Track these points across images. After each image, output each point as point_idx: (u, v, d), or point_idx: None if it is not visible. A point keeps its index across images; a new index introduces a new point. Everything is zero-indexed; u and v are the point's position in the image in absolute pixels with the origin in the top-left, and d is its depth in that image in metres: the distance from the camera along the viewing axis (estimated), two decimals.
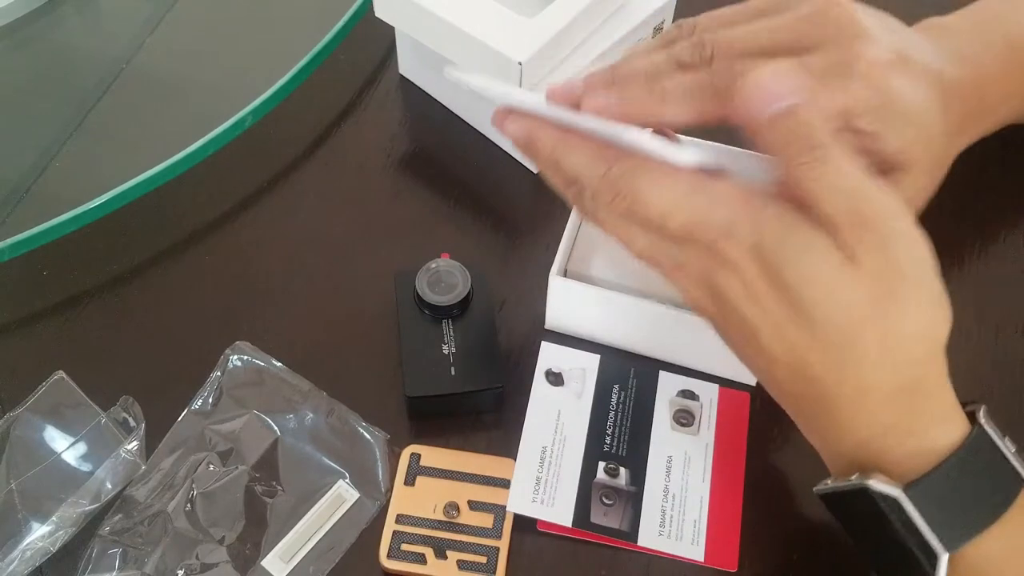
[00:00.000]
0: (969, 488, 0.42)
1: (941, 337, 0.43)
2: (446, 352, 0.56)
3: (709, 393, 0.56)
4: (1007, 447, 0.43)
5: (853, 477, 0.44)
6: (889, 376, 0.42)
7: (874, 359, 0.41)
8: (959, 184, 0.66)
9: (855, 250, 0.40)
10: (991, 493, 0.42)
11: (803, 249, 0.41)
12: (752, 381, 0.57)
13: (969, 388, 0.57)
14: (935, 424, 0.43)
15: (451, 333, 0.56)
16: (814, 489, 0.46)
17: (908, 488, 0.42)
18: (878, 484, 0.42)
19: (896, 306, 0.41)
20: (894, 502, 0.42)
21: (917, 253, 0.42)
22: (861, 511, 0.44)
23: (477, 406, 0.56)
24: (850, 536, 0.47)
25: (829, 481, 0.45)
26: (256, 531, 0.52)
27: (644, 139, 0.42)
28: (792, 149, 0.41)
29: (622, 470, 0.54)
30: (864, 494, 0.43)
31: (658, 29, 0.67)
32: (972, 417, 0.44)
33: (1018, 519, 0.42)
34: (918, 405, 0.43)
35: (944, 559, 0.41)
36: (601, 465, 0.54)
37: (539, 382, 0.56)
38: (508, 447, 0.54)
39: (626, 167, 0.43)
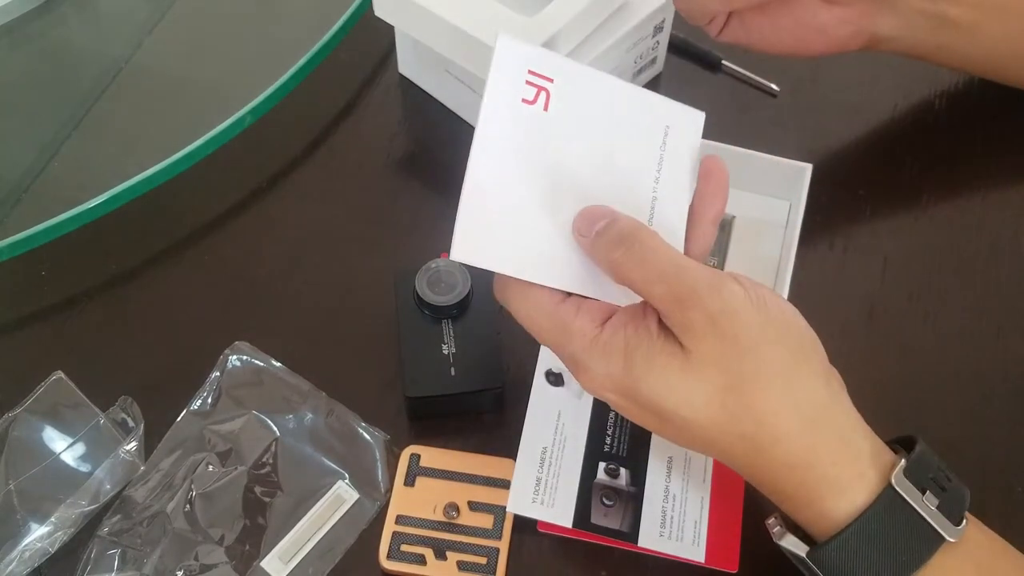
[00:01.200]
0: (877, 549, 0.42)
1: (808, 404, 0.43)
2: (446, 352, 0.56)
3: None
4: (926, 504, 0.43)
5: (775, 530, 0.46)
6: (767, 458, 0.43)
7: (746, 447, 0.43)
8: (959, 184, 0.66)
9: (689, 340, 0.42)
10: (902, 554, 0.42)
11: (646, 367, 0.43)
12: None
13: (969, 388, 0.57)
14: (831, 494, 0.43)
15: (451, 333, 0.56)
16: (765, 521, 0.48)
17: (811, 553, 0.43)
18: (787, 544, 0.45)
19: (747, 391, 0.42)
20: (803, 560, 0.44)
21: (748, 319, 0.42)
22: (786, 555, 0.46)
23: (477, 406, 0.56)
24: None
25: (771, 519, 0.47)
26: (255, 531, 0.52)
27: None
28: (608, 252, 0.44)
29: (622, 470, 0.53)
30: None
31: (658, 28, 0.67)
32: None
33: None
34: (807, 478, 0.43)
35: None
36: (601, 465, 0.54)
37: (539, 382, 0.56)
38: (508, 447, 0.54)
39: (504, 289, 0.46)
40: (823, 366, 0.44)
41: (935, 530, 0.42)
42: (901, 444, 0.46)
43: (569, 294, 0.45)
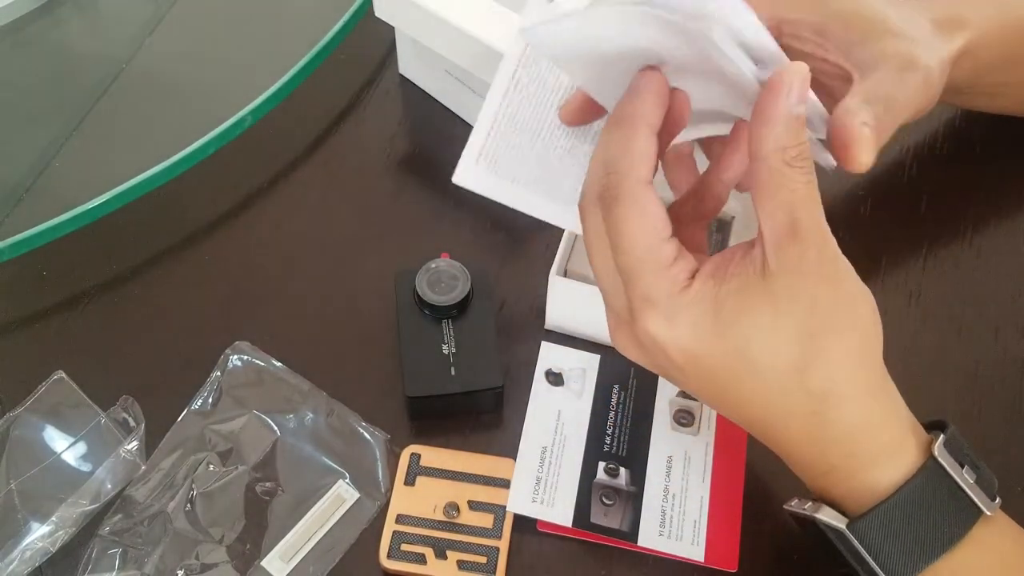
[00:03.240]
0: (919, 521, 0.42)
1: (873, 368, 0.43)
2: (446, 352, 0.56)
3: None
4: (966, 477, 0.43)
5: (807, 506, 0.45)
6: (827, 420, 0.43)
7: (811, 406, 0.42)
8: (958, 185, 0.66)
9: (789, 278, 0.40)
10: (943, 525, 0.42)
11: (737, 310, 0.41)
12: None
13: (968, 388, 0.57)
14: (877, 464, 0.43)
15: (451, 333, 0.56)
16: (784, 506, 0.48)
17: (852, 524, 0.43)
18: (824, 517, 0.44)
19: (829, 342, 0.41)
20: (841, 534, 0.44)
21: (846, 271, 0.42)
22: (819, 534, 0.45)
23: (477, 406, 0.56)
24: (821, 549, 0.47)
25: (795, 502, 0.47)
26: (256, 531, 0.52)
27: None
28: (790, 144, 0.40)
29: (622, 470, 0.54)
30: (813, 523, 0.45)
31: None
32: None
33: (972, 549, 0.43)
34: (860, 446, 0.43)
35: None
36: (601, 465, 0.54)
37: (539, 382, 0.56)
38: (508, 447, 0.54)
39: (610, 203, 0.42)
40: (881, 339, 0.44)
41: (974, 502, 0.43)
42: (927, 428, 0.46)
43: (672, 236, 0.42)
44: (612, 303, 0.44)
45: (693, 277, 0.41)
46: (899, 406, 0.44)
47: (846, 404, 0.42)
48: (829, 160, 0.45)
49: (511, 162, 0.46)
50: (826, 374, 0.42)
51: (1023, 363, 0.58)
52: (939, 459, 0.43)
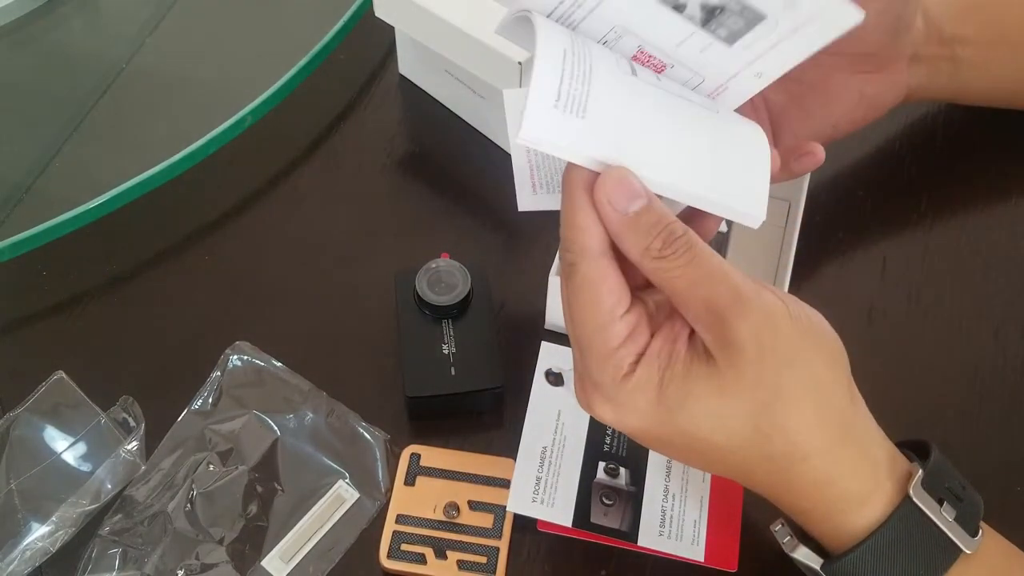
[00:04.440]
0: (896, 562, 0.42)
1: (834, 423, 0.42)
2: (446, 352, 0.56)
3: None
4: (944, 516, 0.42)
5: (786, 540, 0.45)
6: (792, 476, 0.42)
7: (771, 467, 0.42)
8: (958, 185, 0.66)
9: (728, 355, 0.40)
10: (920, 566, 0.42)
11: (681, 396, 0.41)
12: None
13: (968, 388, 0.57)
14: (850, 510, 0.43)
15: (451, 333, 0.56)
16: (771, 527, 0.47)
17: (826, 565, 0.43)
18: (800, 556, 0.44)
19: (781, 409, 0.41)
20: (817, 573, 0.44)
21: (787, 330, 0.41)
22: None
23: (477, 406, 0.56)
24: None
25: (779, 526, 0.47)
26: (256, 531, 0.52)
27: None
28: (648, 242, 0.40)
29: (622, 470, 0.54)
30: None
31: None
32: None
33: None
34: (828, 494, 0.43)
35: None
36: (601, 465, 0.54)
37: (539, 382, 0.56)
38: (508, 447, 0.54)
39: (564, 279, 0.42)
40: (847, 374, 0.43)
41: (953, 542, 0.42)
42: (912, 448, 0.46)
43: (628, 309, 0.41)
44: (575, 366, 0.44)
45: (640, 358, 0.41)
46: (869, 447, 0.43)
47: (809, 462, 0.42)
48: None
49: (560, 175, 0.43)
50: (784, 439, 0.41)
51: (1023, 363, 0.58)
52: (915, 499, 0.42)
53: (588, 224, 0.40)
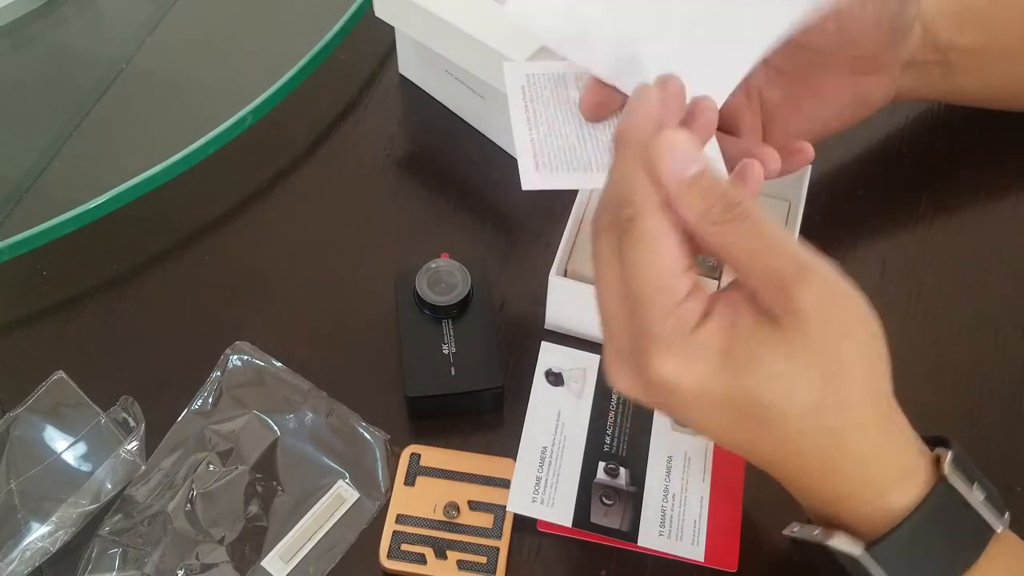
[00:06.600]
0: (934, 542, 0.42)
1: (882, 396, 0.42)
2: (446, 352, 0.56)
3: None
4: (976, 495, 0.43)
5: (815, 532, 0.44)
6: (843, 452, 0.42)
7: (826, 442, 0.42)
8: (958, 185, 0.67)
9: (794, 323, 0.39)
10: (958, 545, 0.42)
11: (747, 359, 0.40)
12: None
13: (968, 388, 0.57)
14: (892, 488, 0.43)
15: (451, 333, 0.56)
16: (784, 531, 0.47)
17: (869, 548, 0.42)
18: (839, 543, 0.43)
19: (843, 378, 0.40)
20: (855, 561, 0.42)
21: (845, 300, 0.41)
22: (822, 559, 0.44)
23: (477, 406, 0.56)
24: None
25: (796, 527, 0.46)
26: (256, 531, 0.52)
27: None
28: (708, 208, 0.39)
29: (622, 470, 0.54)
30: (827, 548, 0.44)
31: None
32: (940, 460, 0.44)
33: (988, 568, 0.42)
34: (873, 472, 0.43)
35: None
36: (601, 465, 0.54)
37: (539, 382, 0.56)
38: (508, 447, 0.54)
39: (622, 234, 0.41)
40: (886, 350, 0.43)
41: (986, 521, 0.42)
42: (930, 444, 0.46)
43: (689, 266, 0.41)
44: (614, 333, 0.42)
45: (706, 315, 0.40)
46: (908, 427, 0.44)
47: (861, 434, 0.42)
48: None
49: (564, 155, 0.48)
50: (841, 410, 0.41)
51: (1023, 363, 0.58)
52: (949, 479, 0.42)
53: (647, 180, 0.39)
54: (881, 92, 0.56)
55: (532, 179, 0.48)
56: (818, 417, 0.41)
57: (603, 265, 0.42)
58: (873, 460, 0.43)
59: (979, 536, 0.42)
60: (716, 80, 0.46)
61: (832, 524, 0.44)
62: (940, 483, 0.42)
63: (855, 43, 0.50)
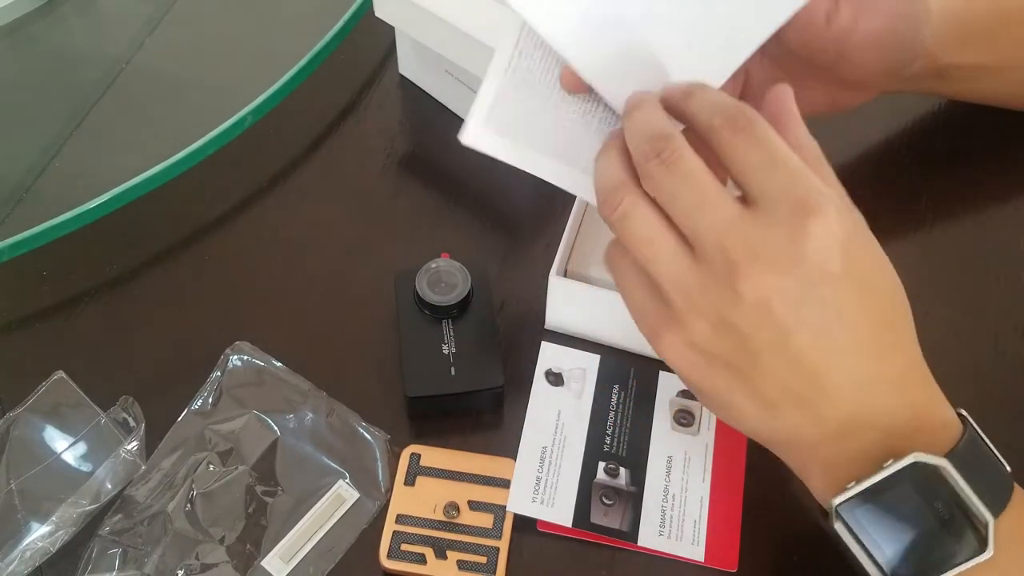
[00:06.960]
0: (985, 463, 0.43)
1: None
2: (446, 352, 0.56)
3: None
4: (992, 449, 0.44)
5: (887, 463, 0.42)
6: (923, 371, 0.45)
7: (916, 350, 0.46)
8: (958, 186, 0.66)
9: (799, 238, 0.42)
10: (995, 482, 0.43)
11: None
12: None
13: (968, 388, 0.57)
14: (943, 404, 0.45)
15: (451, 333, 0.56)
16: (833, 503, 0.43)
17: (948, 455, 0.42)
18: (923, 456, 0.42)
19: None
20: (936, 475, 0.42)
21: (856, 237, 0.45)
22: (890, 505, 0.43)
23: (477, 406, 0.56)
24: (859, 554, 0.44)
25: (852, 483, 0.43)
26: (256, 531, 0.52)
27: None
28: (715, 115, 0.42)
29: (622, 470, 0.54)
30: (895, 486, 0.42)
31: None
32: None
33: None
34: (936, 396, 0.45)
35: (992, 524, 0.41)
36: (601, 465, 0.54)
37: (539, 382, 0.56)
38: (508, 447, 0.54)
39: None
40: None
41: (1006, 470, 0.44)
42: None
43: None
44: (675, 284, 0.42)
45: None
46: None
47: (922, 370, 0.46)
48: None
49: (523, 125, 0.45)
50: (905, 353, 0.45)
51: (1023, 363, 0.58)
52: (975, 427, 0.44)
53: (667, 117, 0.43)
54: (862, 100, 0.57)
55: (474, 134, 0.45)
56: (891, 364, 0.45)
57: (669, 198, 0.42)
58: (929, 405, 0.44)
59: (1005, 481, 0.44)
60: (713, 68, 0.46)
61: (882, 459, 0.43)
62: (969, 427, 0.44)
63: (853, 73, 0.52)
